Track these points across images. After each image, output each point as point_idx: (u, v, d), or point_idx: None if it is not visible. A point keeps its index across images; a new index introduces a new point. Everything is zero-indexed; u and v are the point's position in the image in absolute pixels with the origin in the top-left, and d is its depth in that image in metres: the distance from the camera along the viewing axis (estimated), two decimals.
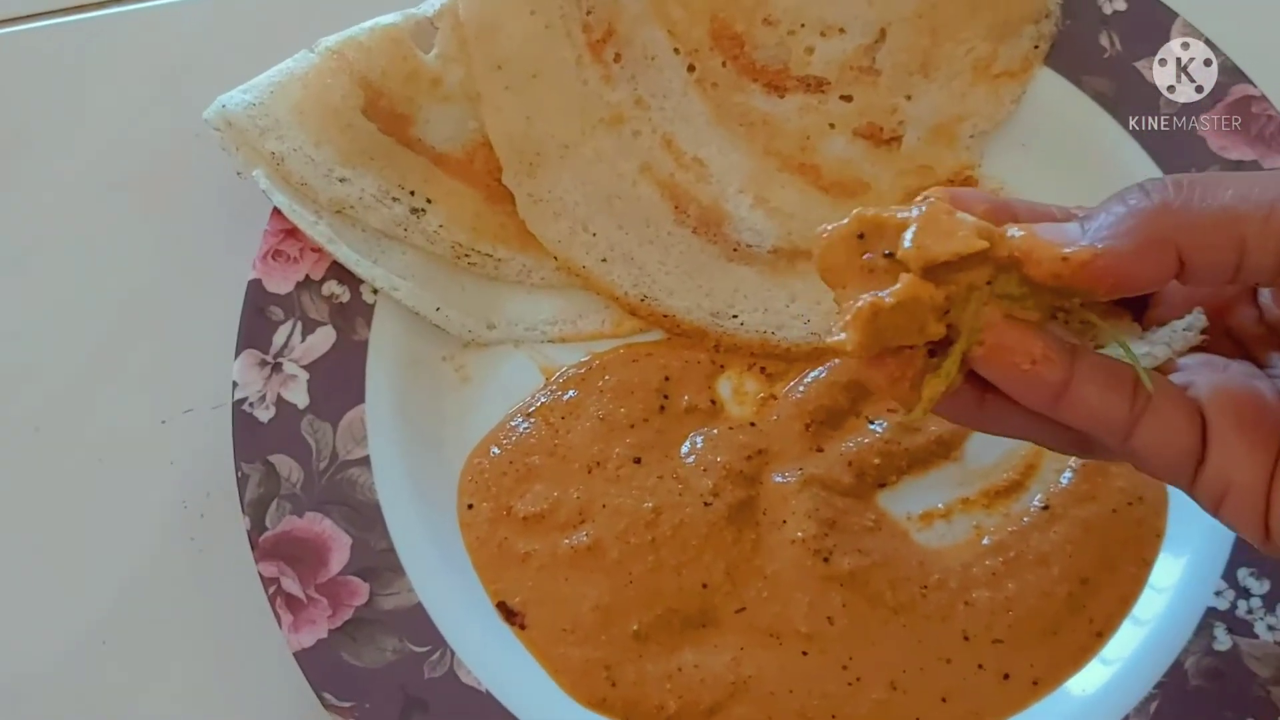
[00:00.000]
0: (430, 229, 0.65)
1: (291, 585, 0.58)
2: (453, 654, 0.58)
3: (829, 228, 0.42)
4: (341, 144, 0.64)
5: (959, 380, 0.42)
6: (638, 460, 0.62)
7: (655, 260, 0.66)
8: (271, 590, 0.58)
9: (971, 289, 0.41)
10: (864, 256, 0.41)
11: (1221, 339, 0.45)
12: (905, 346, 0.41)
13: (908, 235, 0.40)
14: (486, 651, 0.59)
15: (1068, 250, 0.40)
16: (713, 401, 0.64)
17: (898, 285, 0.40)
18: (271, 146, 0.63)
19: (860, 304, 0.40)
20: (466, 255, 0.66)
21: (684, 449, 0.63)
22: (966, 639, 0.59)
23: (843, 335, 0.40)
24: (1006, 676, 0.58)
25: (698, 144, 0.68)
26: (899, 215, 0.41)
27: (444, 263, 0.66)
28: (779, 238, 0.67)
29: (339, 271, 0.64)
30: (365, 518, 0.60)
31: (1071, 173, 0.67)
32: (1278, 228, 0.38)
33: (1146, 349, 0.43)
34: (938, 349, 0.42)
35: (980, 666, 0.59)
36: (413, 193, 0.65)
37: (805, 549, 0.60)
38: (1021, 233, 0.41)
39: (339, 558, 0.59)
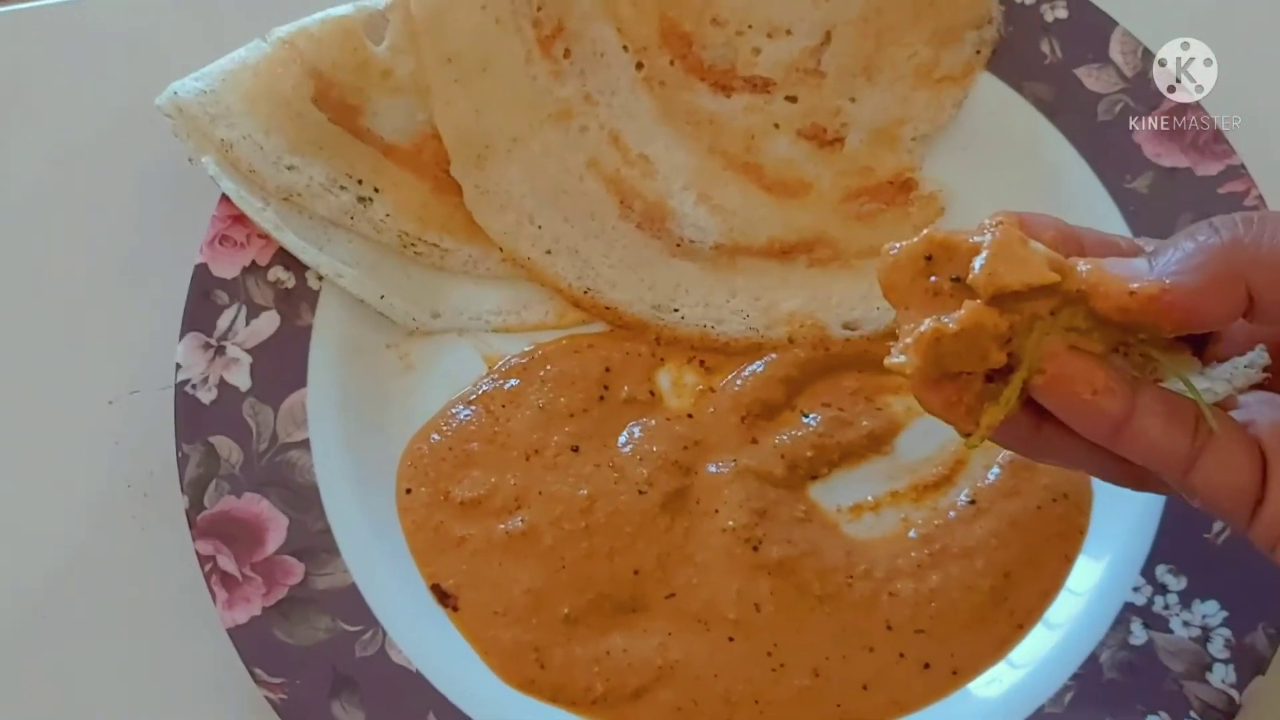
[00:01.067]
0: (377, 218, 0.66)
1: (228, 563, 0.59)
2: (385, 634, 0.59)
3: (896, 246, 0.43)
4: (291, 132, 0.65)
5: (1016, 408, 0.43)
6: (576, 449, 0.63)
7: (599, 254, 0.67)
8: (208, 568, 0.59)
9: (1035, 318, 0.41)
10: (930, 279, 0.42)
11: None
12: (964, 372, 0.42)
13: (978, 261, 0.41)
14: (418, 632, 0.60)
15: (1135, 285, 0.40)
16: (652, 393, 0.65)
17: (963, 311, 0.40)
18: (221, 134, 0.64)
19: (924, 328, 0.41)
20: (413, 245, 0.67)
21: (622, 438, 0.64)
22: (889, 628, 0.60)
23: (903, 358, 0.41)
24: (927, 666, 0.59)
25: (644, 141, 0.69)
26: (971, 239, 0.42)
27: (390, 251, 0.67)
28: (721, 234, 0.68)
29: (285, 258, 0.65)
30: (303, 499, 0.61)
31: (1011, 176, 0.68)
32: None
33: (1207, 385, 0.43)
34: (995, 375, 0.43)
35: (902, 656, 0.60)
36: (360, 181, 0.66)
37: (736, 538, 0.61)
38: (1089, 266, 0.41)
39: (275, 538, 0.60)
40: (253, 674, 0.57)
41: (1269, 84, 0.65)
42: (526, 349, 0.66)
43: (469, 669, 0.59)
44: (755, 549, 0.61)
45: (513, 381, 0.65)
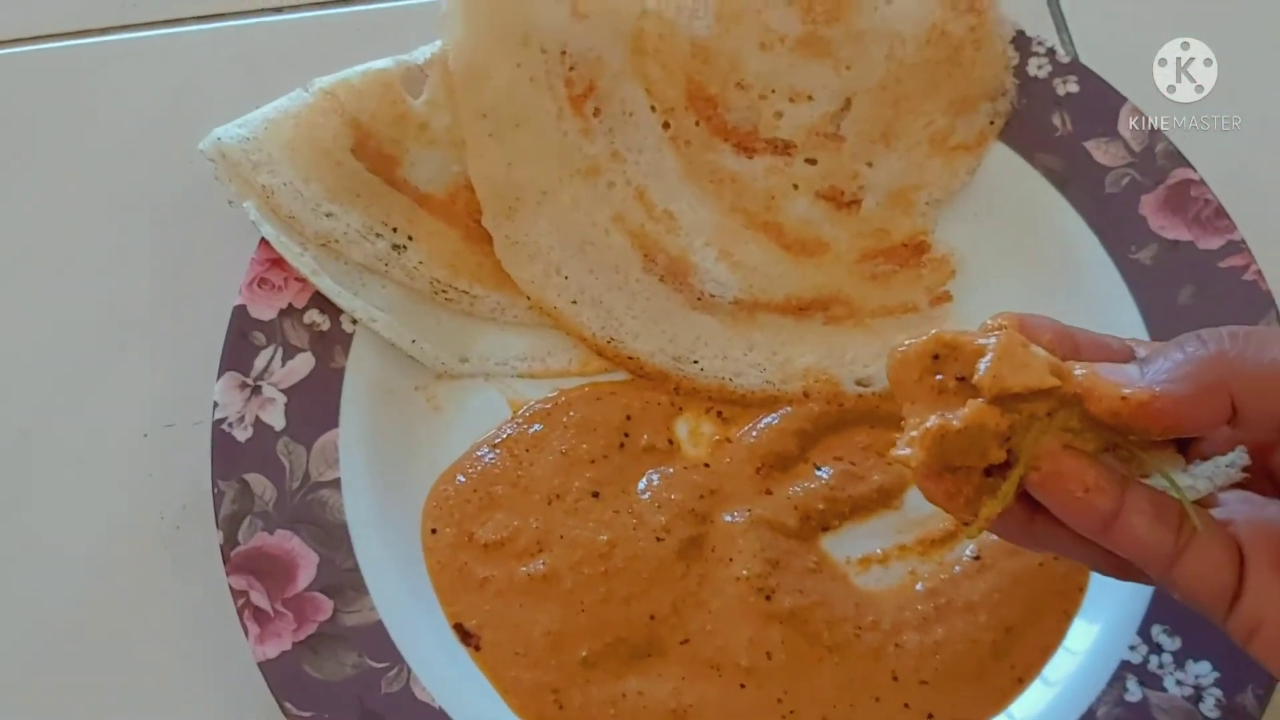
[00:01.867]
0: (410, 265, 0.68)
1: (259, 598, 0.61)
2: (409, 671, 0.60)
3: (906, 344, 0.45)
4: (330, 181, 0.67)
5: (1013, 501, 0.45)
6: (596, 494, 0.65)
7: (623, 305, 0.69)
8: (240, 602, 0.61)
9: (1033, 418, 0.44)
10: (936, 376, 0.45)
11: (1261, 478, 0.49)
12: (964, 466, 0.45)
13: (983, 363, 0.44)
14: (441, 670, 0.61)
15: (1127, 391, 0.43)
16: (670, 441, 0.67)
17: (966, 410, 0.43)
18: (263, 180, 0.66)
19: (930, 424, 0.43)
20: (444, 291, 0.69)
21: (640, 485, 0.66)
22: (895, 679, 0.62)
23: (907, 451, 0.44)
24: (930, 716, 0.61)
25: (669, 198, 0.71)
26: (976, 341, 0.44)
27: (422, 298, 0.69)
28: (741, 290, 0.70)
29: (320, 301, 0.67)
30: (333, 537, 0.63)
31: (1020, 242, 0.71)
32: None
33: (1190, 482, 0.46)
34: (994, 470, 0.46)
35: (906, 706, 0.61)
36: (395, 230, 0.68)
37: (749, 586, 0.63)
38: (1085, 371, 0.44)
39: (306, 574, 0.62)
40: (283, 708, 0.59)
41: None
42: (550, 395, 0.68)
43: (490, 708, 0.61)
44: (768, 598, 0.63)
45: (536, 426, 0.67)
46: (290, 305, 0.67)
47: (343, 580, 0.62)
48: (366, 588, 0.62)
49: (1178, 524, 0.45)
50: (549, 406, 0.68)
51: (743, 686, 0.61)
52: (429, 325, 0.69)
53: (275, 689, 0.59)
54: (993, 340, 0.44)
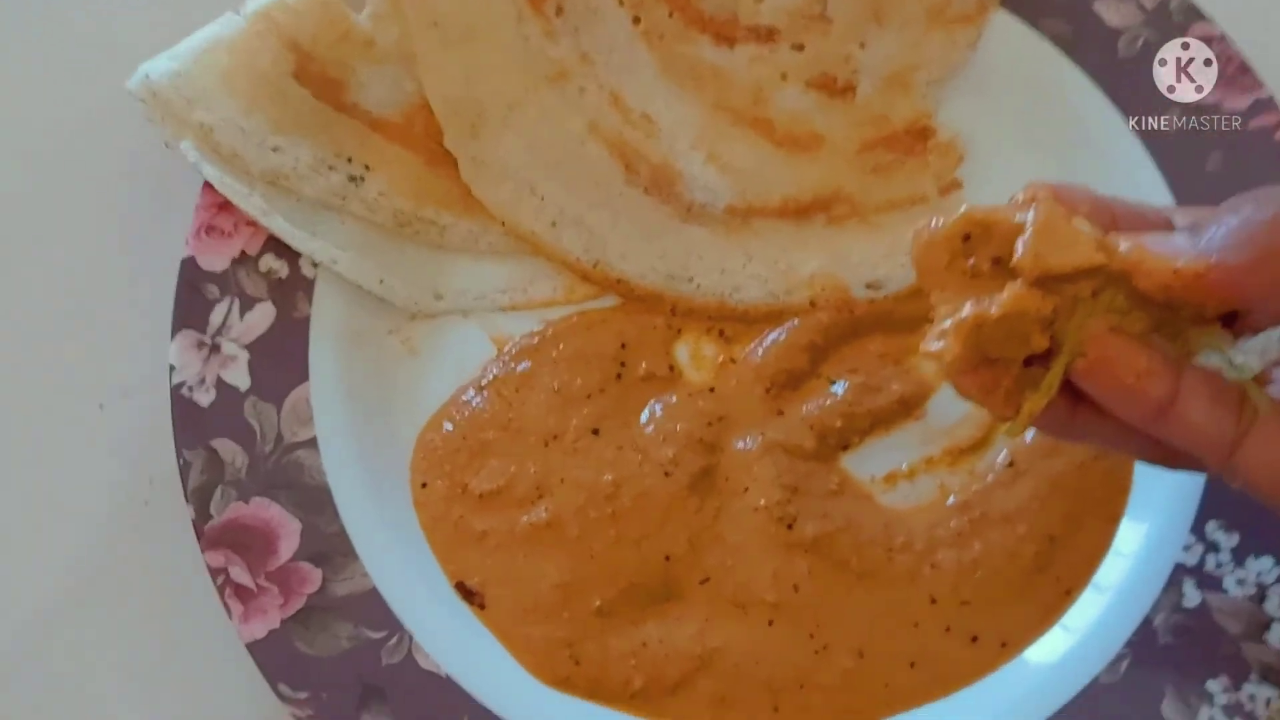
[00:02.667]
0: (370, 197, 0.63)
1: (240, 574, 0.56)
2: (410, 638, 0.57)
3: (933, 224, 0.41)
4: (273, 112, 0.61)
5: (1056, 392, 0.41)
6: (596, 431, 0.61)
7: (606, 223, 0.64)
8: (220, 580, 0.56)
9: (1077, 300, 0.40)
10: (968, 260, 0.40)
11: None
12: (1003, 358, 0.41)
13: (1022, 241, 0.39)
14: (446, 634, 0.57)
15: (1181, 262, 0.39)
16: (671, 367, 0.63)
17: (1004, 295, 0.39)
18: (199, 117, 0.60)
19: (964, 315, 0.39)
20: (409, 223, 0.64)
21: (643, 418, 0.61)
22: (933, 602, 0.58)
23: (939, 345, 0.40)
24: (975, 639, 0.58)
25: (646, 99, 0.65)
26: (1014, 218, 0.40)
27: (386, 232, 0.63)
28: (733, 196, 0.65)
29: (276, 246, 0.61)
30: (314, 501, 0.58)
31: (1030, 119, 0.65)
32: None
33: (1240, 359, 0.42)
34: (1034, 359, 0.41)
35: (948, 629, 0.58)
36: (350, 160, 0.63)
37: (768, 516, 0.59)
38: (1130, 244, 0.40)
39: (288, 544, 0.57)
40: (277, 691, 0.55)
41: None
42: (536, 328, 0.63)
43: (501, 669, 0.57)
44: (789, 527, 0.59)
45: (524, 364, 0.62)
46: (243, 253, 0.61)
47: (329, 547, 0.58)
48: (356, 552, 0.58)
49: (1238, 407, 0.41)
50: (536, 340, 0.63)
51: (771, 624, 0.58)
52: (397, 261, 0.63)
53: (266, 670, 0.55)
54: (1030, 215, 0.40)
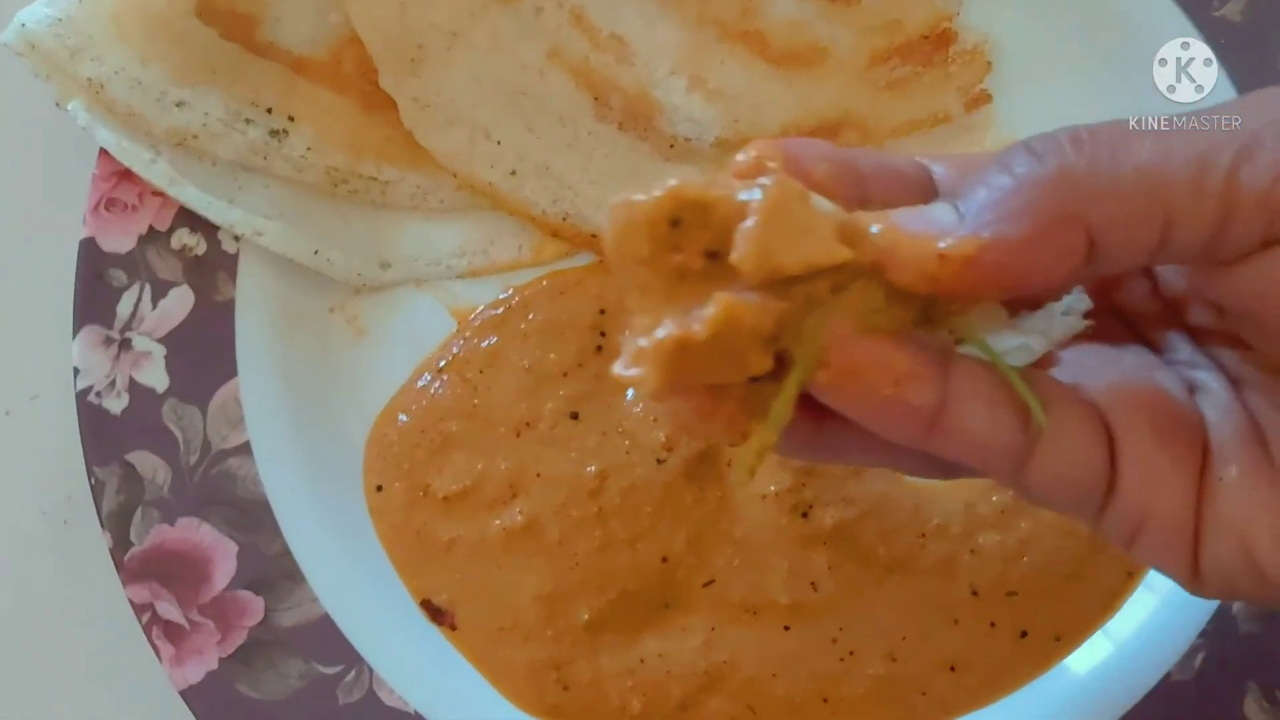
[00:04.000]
0: (296, 153, 0.55)
1: (169, 610, 0.49)
2: (371, 672, 0.50)
3: (634, 199, 0.31)
4: (175, 59, 0.53)
5: (791, 415, 0.31)
6: (574, 415, 0.54)
7: (576, 168, 0.56)
8: (146, 618, 0.50)
9: (812, 302, 0.30)
10: (675, 254, 0.31)
11: (1105, 318, 0.36)
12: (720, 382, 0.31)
13: (743, 231, 0.30)
14: (411, 664, 0.51)
15: (945, 244, 0.30)
16: None
17: (712, 308, 0.29)
18: (87, 71, 0.53)
19: (663, 334, 0.30)
20: (345, 181, 0.56)
21: (629, 396, 0.54)
22: (975, 594, 0.52)
23: (635, 371, 0.30)
24: (1024, 634, 0.51)
25: (615, 17, 0.57)
26: (737, 196, 0.30)
27: (319, 194, 0.56)
28: (723, 126, 0.56)
29: (190, 218, 0.54)
30: (251, 518, 0.52)
31: (1069, 17, 0.57)
32: (1211, 191, 0.29)
33: (1019, 340, 0.33)
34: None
35: (993, 625, 0.52)
36: (270, 110, 0.55)
37: (780, 505, 0.52)
38: (881, 226, 0.30)
39: (223, 570, 0.51)
40: None
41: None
42: (501, 296, 0.56)
43: (478, 700, 0.51)
44: (804, 515, 0.52)
45: (490, 339, 0.55)
46: (151, 229, 0.54)
47: (271, 570, 0.51)
48: (303, 574, 0.52)
49: (1023, 406, 0.32)
50: (501, 311, 0.56)
51: (787, 629, 0.52)
52: (334, 228, 0.56)
53: (205, 719, 0.48)
54: (756, 194, 0.30)
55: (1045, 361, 0.34)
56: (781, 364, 0.31)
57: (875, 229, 0.30)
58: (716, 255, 0.30)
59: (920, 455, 0.33)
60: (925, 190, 0.34)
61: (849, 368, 0.31)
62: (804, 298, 0.30)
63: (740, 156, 0.32)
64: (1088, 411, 0.32)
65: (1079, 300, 0.34)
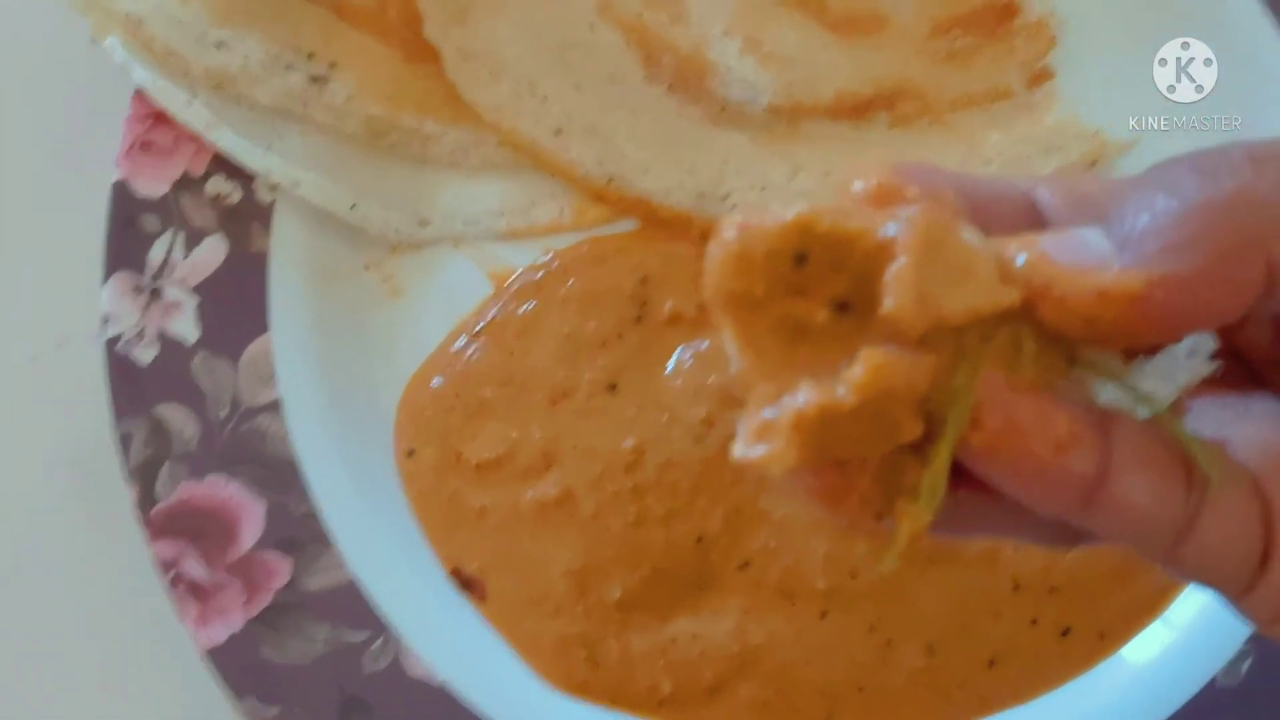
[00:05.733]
0: (337, 101, 0.53)
1: (194, 568, 0.48)
2: (397, 640, 0.49)
3: (749, 222, 0.26)
4: None
5: (944, 489, 0.27)
6: (613, 387, 0.52)
7: (623, 129, 0.54)
8: (170, 575, 0.48)
9: (960, 354, 0.26)
10: (795, 299, 0.26)
11: (1227, 362, 0.31)
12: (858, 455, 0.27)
13: (896, 275, 0.25)
14: (439, 634, 0.49)
15: (1107, 280, 0.26)
16: (701, 306, 0.53)
17: (859, 371, 0.25)
18: (126, 5, 0.52)
19: (802, 404, 0.25)
20: (385, 133, 0.54)
21: (668, 368, 0.53)
22: (1017, 588, 0.50)
23: (762, 448, 0.25)
24: (1066, 632, 0.50)
25: None
26: (875, 233, 0.25)
27: (358, 145, 0.54)
28: (776, 92, 0.55)
29: (225, 164, 0.52)
30: (280, 477, 0.50)
31: None
32: None
33: (1144, 388, 0.28)
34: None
35: (1034, 621, 0.50)
36: (311, 55, 0.54)
37: None
38: (1029, 255, 0.26)
39: (251, 529, 0.49)
40: (242, 706, 0.47)
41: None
42: (541, 259, 0.54)
43: (505, 674, 0.49)
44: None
45: (527, 304, 0.53)
46: (186, 174, 0.52)
47: (300, 532, 0.50)
48: (331, 538, 0.50)
49: (1185, 474, 0.28)
50: (540, 275, 0.54)
51: (823, 616, 0.50)
52: (372, 181, 0.54)
53: (228, 681, 0.48)
54: (898, 227, 0.25)
55: (1176, 410, 0.29)
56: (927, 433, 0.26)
57: (1021, 259, 0.26)
58: (847, 307, 0.26)
59: (1059, 527, 0.30)
60: (1030, 216, 0.30)
61: (1005, 430, 0.27)
62: (952, 348, 0.26)
63: (858, 184, 0.28)
64: (1244, 475, 0.28)
65: (1204, 340, 0.29)
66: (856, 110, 0.55)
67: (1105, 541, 0.30)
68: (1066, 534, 0.31)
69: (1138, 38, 0.54)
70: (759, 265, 0.26)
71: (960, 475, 0.28)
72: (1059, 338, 0.26)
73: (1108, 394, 0.28)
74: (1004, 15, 0.55)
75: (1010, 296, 0.25)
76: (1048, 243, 0.27)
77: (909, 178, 0.27)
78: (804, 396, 0.25)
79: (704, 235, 0.53)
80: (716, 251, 0.26)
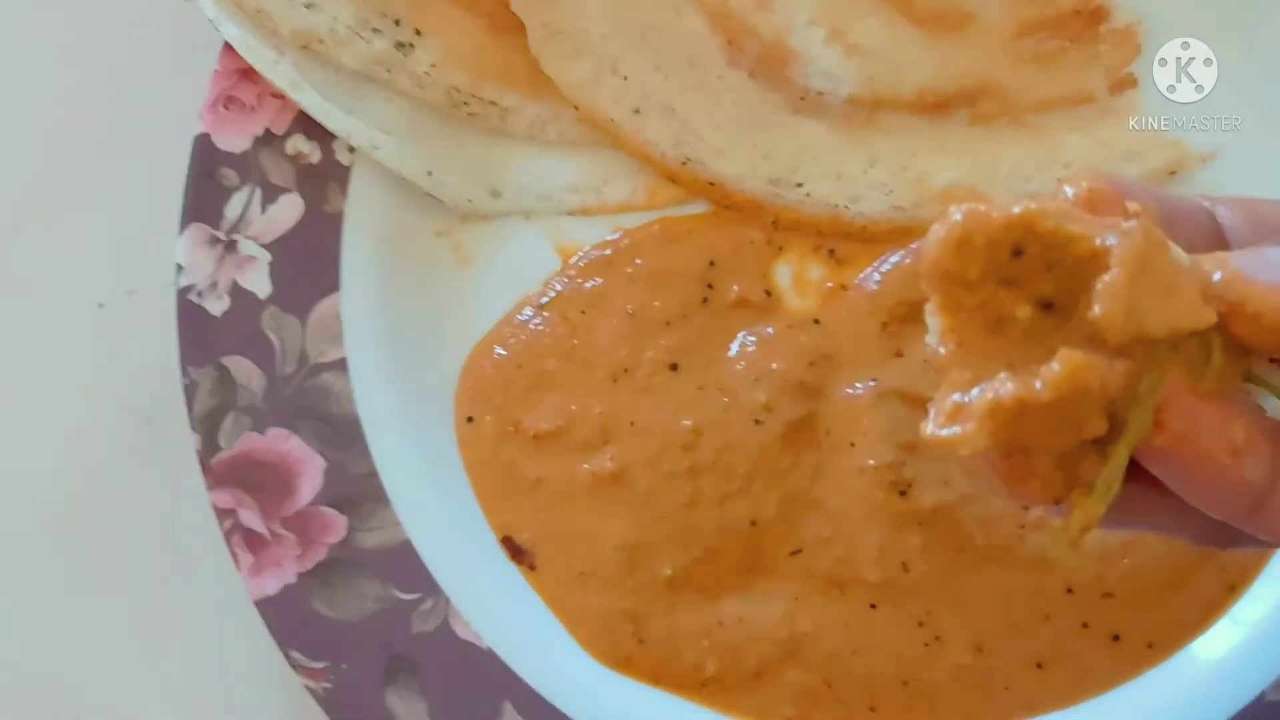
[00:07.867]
0: (420, 69, 0.54)
1: (252, 519, 0.49)
2: (448, 602, 0.49)
3: (980, 209, 0.28)
4: None
5: (1119, 485, 0.29)
6: (674, 367, 0.52)
7: (701, 112, 0.54)
8: (227, 525, 0.49)
9: (1151, 361, 0.28)
10: (1006, 288, 0.29)
11: None
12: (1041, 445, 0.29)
13: (1108, 286, 0.27)
14: (488, 599, 0.50)
15: None
16: (768, 292, 0.54)
17: (1058, 368, 0.27)
18: None
19: (1000, 394, 0.27)
20: (465, 103, 0.54)
21: (732, 352, 0.53)
22: (1070, 592, 0.50)
23: (954, 430, 0.28)
24: (1116, 638, 0.50)
25: None
26: (1093, 240, 0.27)
27: (437, 113, 0.55)
28: (858, 84, 0.54)
29: (307, 124, 0.53)
30: (342, 434, 0.51)
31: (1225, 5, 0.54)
32: None
33: None
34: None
35: (1085, 626, 0.50)
36: (398, 22, 0.54)
37: (878, 479, 0.51)
38: (1223, 273, 0.28)
39: (310, 484, 0.50)
40: (289, 657, 0.48)
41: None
42: (611, 237, 0.54)
43: (551, 644, 0.50)
44: (902, 494, 0.50)
45: (594, 280, 0.54)
46: (268, 131, 0.53)
47: (357, 489, 0.50)
48: (388, 498, 0.51)
49: None
50: (609, 252, 0.54)
51: (873, 608, 0.50)
52: (449, 150, 0.54)
53: (278, 633, 0.49)
54: (1116, 239, 0.27)
55: None
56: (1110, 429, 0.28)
57: (1217, 277, 0.28)
58: (1051, 307, 0.28)
59: (1216, 526, 0.31)
60: (1212, 233, 0.31)
61: (1186, 434, 0.29)
62: (1145, 356, 0.28)
63: (1069, 189, 0.30)
64: None
65: None
66: (937, 106, 0.54)
67: (1264, 547, 0.33)
68: (1224, 535, 0.33)
69: (1235, 47, 0.54)
70: (979, 251, 0.28)
71: (1131, 470, 0.30)
72: (1241, 351, 0.28)
73: (1273, 407, 0.29)
74: (1092, 20, 0.55)
75: (1210, 318, 0.27)
76: (1239, 261, 0.28)
77: (1121, 189, 0.29)
78: (1001, 387, 0.27)
79: (775, 222, 0.54)
80: (940, 230, 0.28)
